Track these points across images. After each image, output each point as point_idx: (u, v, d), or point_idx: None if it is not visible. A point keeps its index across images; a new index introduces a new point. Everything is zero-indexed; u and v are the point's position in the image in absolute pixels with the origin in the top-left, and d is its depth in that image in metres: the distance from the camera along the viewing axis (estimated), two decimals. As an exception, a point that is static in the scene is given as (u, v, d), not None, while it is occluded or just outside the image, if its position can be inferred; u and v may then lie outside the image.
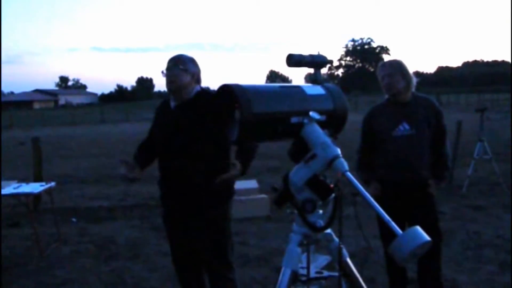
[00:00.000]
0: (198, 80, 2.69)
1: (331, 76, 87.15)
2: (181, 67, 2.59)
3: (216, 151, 2.58)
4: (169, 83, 2.62)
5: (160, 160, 2.74)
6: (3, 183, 4.90)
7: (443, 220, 5.13)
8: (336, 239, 1.70)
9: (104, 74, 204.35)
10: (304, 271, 1.75)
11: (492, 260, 4.08)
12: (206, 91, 2.69)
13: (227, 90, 1.59)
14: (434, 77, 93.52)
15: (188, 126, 2.59)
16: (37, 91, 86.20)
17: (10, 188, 4.74)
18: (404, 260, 1.44)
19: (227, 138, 1.62)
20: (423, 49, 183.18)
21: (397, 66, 2.98)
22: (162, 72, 2.65)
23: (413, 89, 3.05)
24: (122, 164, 2.66)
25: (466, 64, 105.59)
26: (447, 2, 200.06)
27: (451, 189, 6.79)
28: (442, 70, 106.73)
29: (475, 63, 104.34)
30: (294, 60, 1.70)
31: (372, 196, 1.54)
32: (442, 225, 4.24)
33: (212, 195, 2.61)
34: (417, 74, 3.20)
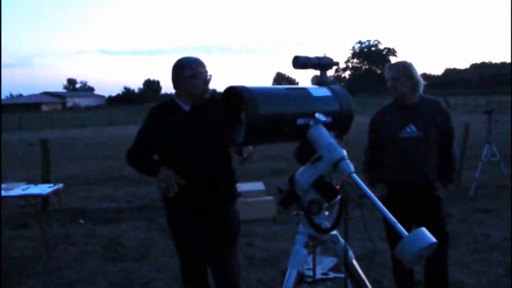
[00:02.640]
0: None
1: (338, 78, 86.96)
2: (211, 74, 2.56)
3: (225, 154, 2.58)
4: (205, 91, 2.56)
5: (173, 164, 2.57)
6: (11, 184, 4.95)
7: (450, 223, 5.10)
8: (342, 241, 1.70)
9: (112, 77, 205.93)
10: (310, 273, 1.75)
11: (500, 263, 4.05)
12: (217, 94, 2.67)
13: (233, 92, 1.60)
14: (441, 79, 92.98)
15: (206, 129, 2.53)
16: (46, 93, 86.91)
17: (18, 189, 4.78)
18: (410, 262, 1.44)
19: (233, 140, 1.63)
20: (430, 51, 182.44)
21: (402, 69, 2.96)
22: (210, 76, 2.58)
23: (421, 91, 3.04)
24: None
25: (474, 66, 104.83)
26: (455, 4, 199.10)
27: (458, 192, 6.74)
28: (449, 72, 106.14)
29: (483, 64, 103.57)
30: (300, 62, 1.71)
31: (378, 197, 1.54)
32: (450, 228, 4.21)
33: (222, 197, 2.63)
34: (424, 76, 3.18)
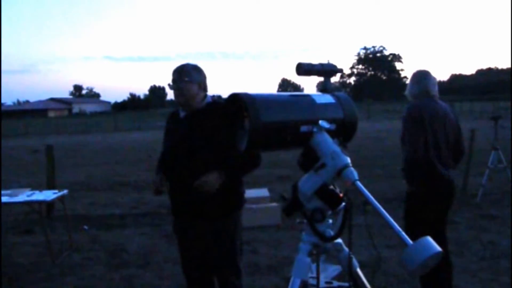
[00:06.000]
0: (205, 88, 2.67)
1: (343, 84, 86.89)
2: (186, 79, 2.58)
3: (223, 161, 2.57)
4: (177, 96, 2.63)
5: (167, 169, 2.68)
6: (17, 190, 4.97)
7: (457, 230, 5.06)
8: (346, 249, 1.69)
9: (117, 83, 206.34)
10: (314, 281, 1.73)
11: (508, 271, 4.00)
12: (217, 101, 2.68)
13: (236, 99, 1.59)
14: (447, 85, 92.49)
15: (196, 136, 2.59)
16: (52, 99, 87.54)
17: (23, 195, 4.80)
18: (413, 272, 1.42)
19: (235, 147, 1.62)
20: (436, 57, 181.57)
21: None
22: (169, 85, 2.65)
23: (428, 96, 3.16)
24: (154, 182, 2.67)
25: (480, 72, 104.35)
26: (460, 10, 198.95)
27: (465, 199, 6.69)
28: (455, 78, 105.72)
29: (489, 70, 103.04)
30: (303, 69, 1.71)
31: None
32: (456, 235, 4.16)
33: (219, 204, 2.60)
34: None
